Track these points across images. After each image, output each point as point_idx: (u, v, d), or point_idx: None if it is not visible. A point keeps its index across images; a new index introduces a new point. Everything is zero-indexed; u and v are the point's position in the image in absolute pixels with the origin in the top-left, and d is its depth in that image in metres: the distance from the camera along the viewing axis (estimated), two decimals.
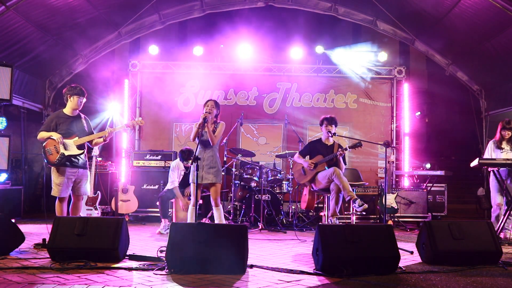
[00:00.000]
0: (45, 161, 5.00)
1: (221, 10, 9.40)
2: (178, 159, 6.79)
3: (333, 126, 6.11)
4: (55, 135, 4.93)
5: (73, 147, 5.01)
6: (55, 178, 4.98)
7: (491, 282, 3.44)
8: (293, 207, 7.62)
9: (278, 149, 9.35)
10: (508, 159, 5.55)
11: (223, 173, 6.18)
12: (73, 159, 5.01)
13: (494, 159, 5.68)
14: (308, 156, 6.23)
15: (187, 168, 6.65)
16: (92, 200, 7.05)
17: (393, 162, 8.41)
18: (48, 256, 4.02)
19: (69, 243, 3.96)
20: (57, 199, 5.02)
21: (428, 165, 8.44)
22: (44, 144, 4.97)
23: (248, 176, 7.45)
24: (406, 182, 8.71)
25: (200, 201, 6.41)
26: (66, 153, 4.96)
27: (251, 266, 3.89)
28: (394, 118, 9.40)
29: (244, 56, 9.28)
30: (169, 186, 6.63)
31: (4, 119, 7.46)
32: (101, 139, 5.16)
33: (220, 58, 9.51)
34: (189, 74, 9.49)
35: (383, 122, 9.46)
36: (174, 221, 6.43)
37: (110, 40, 9.24)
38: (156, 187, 7.90)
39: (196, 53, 9.30)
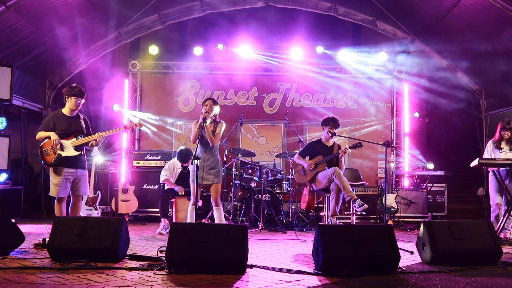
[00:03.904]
0: (42, 161, 4.99)
1: (221, 10, 9.39)
2: (175, 158, 6.82)
3: (336, 128, 6.12)
4: (52, 136, 4.91)
5: (71, 148, 4.99)
6: (53, 178, 4.97)
7: (491, 282, 3.44)
8: (293, 207, 7.62)
9: (278, 149, 9.35)
10: (507, 159, 5.55)
11: (223, 173, 6.18)
12: (70, 160, 5.00)
13: (494, 159, 5.68)
14: (308, 157, 6.23)
15: (184, 168, 6.67)
16: (92, 200, 7.05)
17: (393, 162, 8.41)
18: (48, 256, 4.02)
19: (69, 243, 3.96)
20: (55, 199, 5.01)
21: (431, 166, 8.43)
22: (41, 144, 4.96)
23: (248, 176, 7.45)
24: (406, 182, 8.71)
25: (200, 203, 6.42)
26: (63, 154, 4.94)
27: (251, 266, 3.89)
28: (394, 118, 9.41)
29: (244, 56, 9.28)
30: (160, 180, 6.81)
31: (4, 119, 7.45)
32: (95, 142, 5.12)
33: (220, 58, 9.51)
34: (189, 74, 9.49)
35: (383, 122, 9.46)
36: (174, 221, 6.43)
37: (110, 40, 9.24)
38: (156, 187, 7.90)
39: (196, 53, 9.30)
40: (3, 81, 7.00)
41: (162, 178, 6.79)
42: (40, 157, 4.98)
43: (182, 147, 6.73)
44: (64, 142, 4.97)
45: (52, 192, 4.97)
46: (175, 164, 6.80)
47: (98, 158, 7.40)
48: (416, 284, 3.40)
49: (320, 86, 9.51)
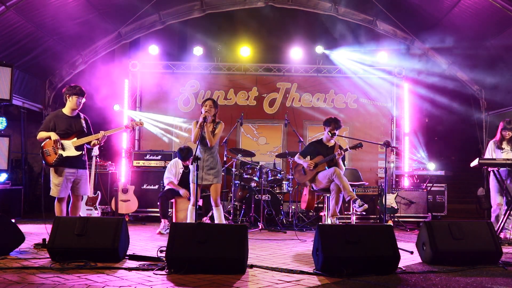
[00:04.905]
0: (43, 162, 4.98)
1: (221, 10, 9.38)
2: (176, 158, 6.81)
3: (338, 130, 6.11)
4: (53, 136, 4.91)
5: (72, 148, 4.99)
6: (53, 178, 4.97)
7: (491, 282, 3.45)
8: (293, 207, 7.62)
9: (278, 149, 9.35)
10: (508, 159, 5.55)
11: (223, 173, 6.18)
12: (71, 160, 5.00)
13: (494, 159, 5.68)
14: (308, 157, 6.23)
15: (186, 167, 6.66)
16: (92, 200, 7.05)
17: (393, 162, 8.41)
18: (48, 256, 4.02)
19: (69, 243, 3.96)
20: (56, 199, 5.01)
21: (431, 166, 8.43)
22: (42, 145, 4.95)
23: (248, 176, 7.45)
24: (406, 182, 8.71)
25: (200, 202, 6.42)
26: (64, 154, 4.94)
27: (251, 266, 3.89)
28: (394, 118, 9.41)
29: (244, 56, 9.29)
30: (165, 183, 6.71)
31: (4, 119, 7.45)
32: (97, 141, 5.12)
33: (220, 58, 9.52)
34: (189, 74, 9.49)
35: (383, 122, 9.46)
36: (174, 221, 6.43)
37: (110, 40, 9.24)
38: (156, 187, 7.90)
39: (196, 53, 9.31)
40: (3, 81, 6.99)
41: (166, 181, 6.69)
42: (41, 157, 4.98)
43: (183, 146, 6.74)
44: (65, 142, 4.96)
45: (53, 192, 4.97)
46: (177, 164, 6.78)
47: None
48: (416, 284, 3.40)
49: (320, 86, 9.52)
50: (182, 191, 6.52)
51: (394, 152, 8.75)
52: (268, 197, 7.13)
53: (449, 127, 11.92)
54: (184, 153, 6.52)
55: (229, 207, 7.66)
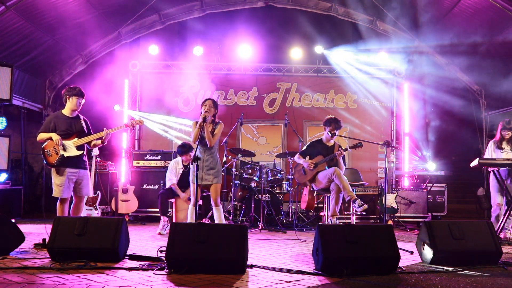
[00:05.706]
0: (44, 162, 4.99)
1: (221, 10, 9.40)
2: (177, 158, 6.80)
3: (338, 130, 6.11)
4: (54, 136, 4.91)
5: (73, 148, 4.99)
6: (55, 179, 4.96)
7: (491, 282, 3.45)
8: (293, 207, 7.62)
9: (278, 149, 9.35)
10: (508, 159, 5.55)
11: (223, 173, 6.17)
12: (72, 160, 5.00)
13: (494, 159, 5.68)
14: (308, 157, 6.23)
15: (185, 166, 6.66)
16: (92, 200, 7.05)
17: (393, 162, 8.41)
18: (48, 256, 4.02)
19: (69, 243, 3.96)
20: (58, 200, 5.00)
21: (431, 166, 8.43)
22: (43, 146, 4.96)
23: (248, 176, 7.45)
24: (406, 182, 8.71)
25: (200, 202, 6.42)
26: (66, 154, 4.94)
27: (251, 266, 3.89)
28: (394, 118, 9.41)
29: (244, 56, 9.29)
30: (167, 185, 6.68)
31: (4, 119, 7.45)
32: (99, 141, 5.13)
33: (220, 58, 9.52)
34: (189, 74, 9.49)
35: (383, 122, 9.47)
36: (174, 221, 6.43)
37: (110, 40, 9.25)
38: (156, 187, 7.90)
39: (196, 53, 9.30)
40: (3, 81, 7.00)
41: (168, 183, 6.62)
42: (43, 158, 4.98)
43: (182, 142, 6.75)
44: (66, 142, 4.97)
45: (56, 193, 4.97)
46: (176, 164, 6.77)
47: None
48: (416, 284, 3.40)
49: (320, 86, 9.52)
50: (182, 195, 6.49)
51: (394, 152, 8.76)
52: (268, 197, 7.14)
53: (449, 127, 11.90)
54: (186, 148, 6.51)
55: (229, 207, 7.66)
